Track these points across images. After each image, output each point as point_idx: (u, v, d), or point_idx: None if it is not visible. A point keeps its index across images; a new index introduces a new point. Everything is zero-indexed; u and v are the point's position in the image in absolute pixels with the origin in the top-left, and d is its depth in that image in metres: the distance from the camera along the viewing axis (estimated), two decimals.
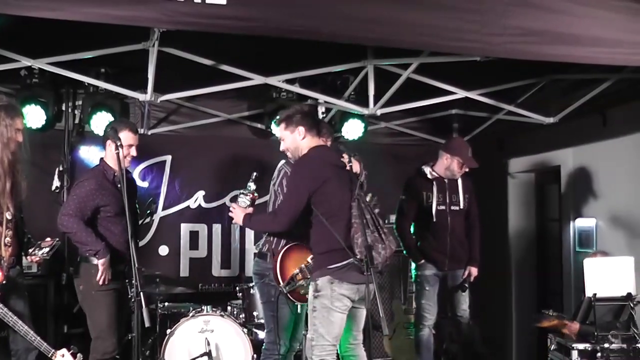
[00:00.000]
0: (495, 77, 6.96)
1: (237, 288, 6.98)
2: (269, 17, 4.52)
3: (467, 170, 6.83)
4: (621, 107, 6.72)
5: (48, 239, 5.02)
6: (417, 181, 6.90)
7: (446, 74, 6.71)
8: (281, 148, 5.38)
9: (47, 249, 4.94)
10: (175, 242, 8.00)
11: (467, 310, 6.93)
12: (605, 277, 5.60)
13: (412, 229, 6.95)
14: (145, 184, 7.86)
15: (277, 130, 5.54)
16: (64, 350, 4.65)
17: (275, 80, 6.79)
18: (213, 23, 4.39)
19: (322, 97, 7.26)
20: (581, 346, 5.46)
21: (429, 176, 6.83)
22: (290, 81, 7.03)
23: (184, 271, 7.99)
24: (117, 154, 5.04)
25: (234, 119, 8.21)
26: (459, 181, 6.87)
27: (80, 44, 6.02)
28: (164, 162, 7.98)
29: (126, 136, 5.38)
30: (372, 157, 6.64)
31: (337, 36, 4.75)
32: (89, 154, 7.53)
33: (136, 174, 7.58)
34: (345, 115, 7.74)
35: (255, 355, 6.24)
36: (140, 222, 6.15)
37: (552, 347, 5.88)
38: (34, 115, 6.91)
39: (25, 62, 6.20)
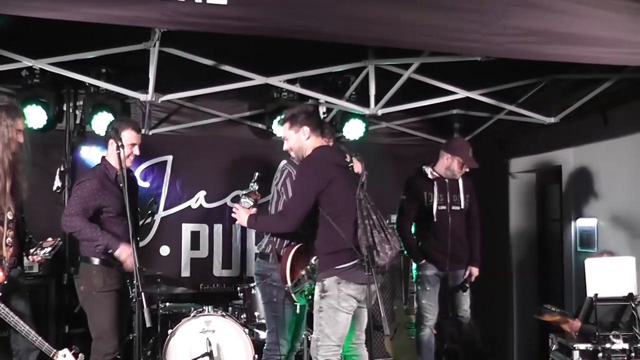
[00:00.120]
0: (496, 77, 6.96)
1: (239, 288, 6.97)
2: (270, 17, 4.52)
3: (467, 170, 6.83)
4: (622, 107, 6.71)
5: (49, 239, 5.02)
6: (417, 181, 6.91)
7: (447, 74, 6.71)
8: (285, 148, 5.38)
9: (49, 249, 4.94)
10: (176, 242, 8.00)
11: (468, 310, 6.93)
12: (606, 277, 5.59)
13: (413, 229, 6.96)
14: (146, 184, 7.86)
15: (280, 129, 5.53)
16: (65, 351, 4.66)
17: (276, 81, 6.79)
18: (214, 23, 4.39)
19: (323, 97, 7.25)
20: (582, 346, 5.45)
21: (430, 176, 6.83)
22: (291, 81, 7.02)
23: (185, 271, 7.99)
24: (119, 154, 5.03)
25: (235, 119, 8.21)
26: (460, 181, 6.88)
27: (81, 44, 6.02)
28: (165, 162, 7.98)
29: (129, 135, 5.37)
30: (373, 157, 6.66)
31: (338, 36, 4.75)
32: (90, 154, 7.54)
33: (137, 174, 7.56)
34: (346, 116, 7.74)
35: (256, 356, 6.24)
36: (141, 222, 6.15)
37: (554, 347, 5.87)
38: (35, 116, 6.92)
39: (26, 62, 6.21)
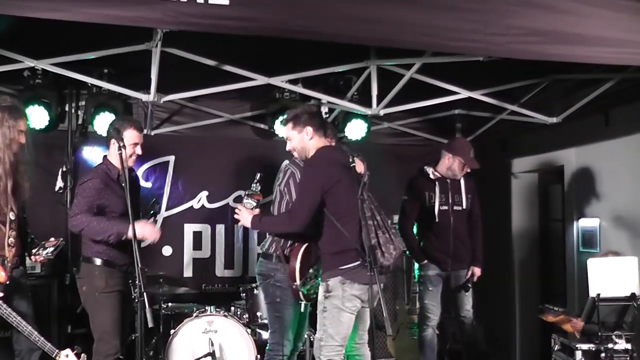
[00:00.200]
0: (498, 77, 6.96)
1: (241, 288, 6.98)
2: (272, 17, 4.51)
3: (468, 170, 6.83)
4: (624, 106, 6.71)
5: (52, 239, 5.03)
6: (419, 181, 6.91)
7: (449, 74, 6.71)
8: (287, 148, 5.38)
9: (51, 249, 4.95)
10: (178, 243, 7.99)
11: (471, 310, 6.93)
12: (609, 277, 5.59)
13: (415, 230, 6.96)
14: (148, 185, 7.86)
15: (283, 130, 5.53)
16: (67, 351, 4.66)
17: (278, 81, 6.79)
18: (216, 23, 4.38)
19: (325, 98, 7.25)
20: (585, 346, 5.45)
21: (432, 176, 6.83)
22: (293, 81, 7.03)
23: (188, 271, 7.99)
24: (120, 154, 5.01)
25: (236, 120, 8.21)
26: (462, 181, 6.88)
27: (83, 44, 6.02)
28: (167, 162, 7.98)
29: (131, 135, 5.35)
30: (375, 158, 6.63)
31: (340, 36, 4.74)
32: (92, 155, 7.53)
33: (139, 174, 7.54)
34: (348, 116, 7.74)
35: (259, 356, 6.24)
36: None
37: (556, 347, 5.87)
38: (37, 116, 6.93)
39: (29, 62, 6.22)
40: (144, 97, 6.40)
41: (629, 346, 5.32)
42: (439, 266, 6.82)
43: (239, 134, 8.27)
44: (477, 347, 7.22)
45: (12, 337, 4.92)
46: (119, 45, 5.92)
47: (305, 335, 6.07)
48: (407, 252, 6.90)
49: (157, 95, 6.27)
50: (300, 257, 5.32)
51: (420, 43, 5.03)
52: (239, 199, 7.93)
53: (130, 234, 5.02)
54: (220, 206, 8.11)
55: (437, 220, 6.80)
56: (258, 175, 5.43)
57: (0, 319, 4.61)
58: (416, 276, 7.01)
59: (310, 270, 5.38)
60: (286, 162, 5.82)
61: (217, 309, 6.49)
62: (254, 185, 5.40)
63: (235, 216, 5.36)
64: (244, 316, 6.75)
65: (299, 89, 7.23)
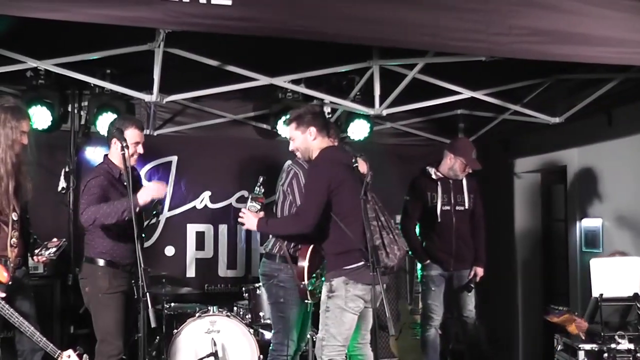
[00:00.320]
0: (500, 77, 6.95)
1: (244, 288, 6.98)
2: (274, 17, 4.51)
3: (470, 171, 6.83)
4: (627, 106, 6.69)
5: (54, 239, 5.02)
6: (421, 181, 6.91)
7: (452, 74, 6.70)
8: (291, 148, 5.38)
9: (54, 250, 4.94)
10: (181, 243, 8.00)
11: (474, 310, 6.93)
12: (611, 277, 5.58)
13: (417, 230, 6.95)
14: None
15: (286, 129, 5.52)
16: (69, 351, 4.65)
17: (281, 81, 6.79)
18: (218, 24, 4.38)
19: (327, 98, 7.25)
20: (588, 346, 5.44)
21: (434, 176, 6.83)
22: (296, 82, 7.03)
23: (190, 272, 8.00)
24: (123, 155, 5.00)
25: (239, 120, 8.22)
26: (464, 181, 6.88)
27: (86, 45, 6.02)
28: (170, 162, 7.98)
29: (132, 133, 5.31)
30: (377, 158, 6.65)
31: (342, 37, 4.74)
32: (95, 155, 7.51)
33: (142, 174, 7.55)
34: (351, 116, 7.74)
35: (261, 356, 6.24)
36: (146, 222, 6.14)
37: (559, 347, 5.86)
38: (40, 116, 6.92)
39: (31, 63, 6.21)
40: (146, 97, 6.40)
41: (631, 346, 5.31)
42: (441, 266, 6.83)
43: (242, 134, 8.27)
44: (480, 347, 7.22)
45: (15, 338, 4.91)
46: (122, 45, 5.93)
47: (308, 336, 6.08)
48: (410, 253, 6.92)
49: (160, 95, 6.26)
50: (309, 256, 5.33)
51: (422, 43, 5.02)
52: (241, 199, 7.95)
53: (141, 201, 5.07)
54: (223, 206, 8.12)
55: (439, 220, 6.81)
56: (261, 179, 5.43)
57: (2, 319, 4.62)
58: (419, 276, 7.02)
59: (317, 270, 5.40)
60: (289, 162, 5.81)
61: (220, 309, 6.50)
62: (257, 188, 5.39)
63: (240, 220, 5.34)
64: (247, 316, 6.75)
65: (302, 89, 7.23)
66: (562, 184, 8.06)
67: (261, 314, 6.61)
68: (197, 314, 6.37)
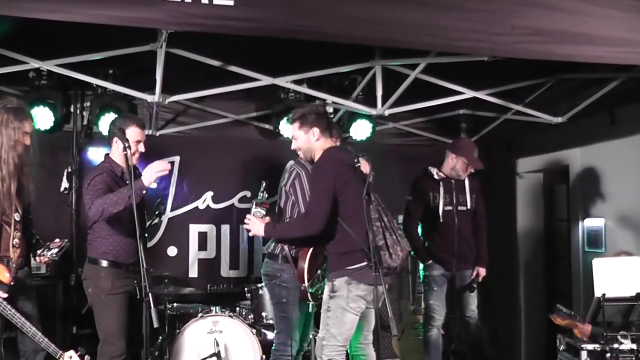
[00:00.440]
0: (503, 77, 6.95)
1: (246, 289, 6.99)
2: (276, 18, 4.52)
3: (472, 171, 6.83)
4: (630, 106, 6.68)
5: (57, 240, 5.01)
6: (423, 182, 6.91)
7: (454, 74, 6.71)
8: (293, 147, 5.36)
9: (56, 250, 4.93)
10: (183, 243, 8.00)
11: (476, 310, 6.92)
12: (614, 277, 5.57)
13: (419, 230, 6.95)
14: (153, 185, 7.77)
15: (289, 129, 5.51)
16: (71, 352, 4.66)
17: (283, 81, 6.80)
18: (220, 24, 4.39)
19: (330, 98, 7.25)
20: (590, 346, 5.43)
21: (436, 177, 6.82)
22: (298, 82, 7.03)
23: (193, 272, 8.00)
24: (125, 155, 4.97)
25: (241, 120, 8.22)
26: (466, 181, 6.87)
27: (88, 45, 6.03)
28: (172, 163, 7.95)
29: (133, 132, 5.29)
30: (380, 158, 6.66)
31: (344, 37, 4.75)
32: (98, 155, 7.49)
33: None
34: (353, 116, 7.74)
35: (264, 356, 6.25)
36: (148, 223, 6.14)
37: (561, 347, 5.85)
38: (43, 117, 6.93)
39: (34, 64, 6.23)
40: (149, 97, 6.40)
41: (634, 346, 5.30)
42: (443, 266, 6.82)
43: (244, 134, 8.27)
44: (482, 347, 7.22)
45: (17, 338, 4.91)
46: (124, 46, 5.94)
47: (311, 335, 6.07)
48: (412, 253, 6.91)
49: (162, 95, 6.28)
50: (309, 258, 5.31)
51: (422, 43, 5.02)
52: (244, 200, 7.96)
53: (146, 182, 5.09)
54: (225, 206, 8.11)
55: (441, 220, 6.80)
56: (264, 184, 5.42)
57: (4, 319, 4.62)
58: (421, 276, 7.01)
59: (318, 272, 5.39)
60: (291, 162, 5.80)
61: (222, 310, 6.51)
62: (261, 194, 5.38)
63: (246, 227, 5.29)
64: (249, 316, 6.76)
65: (304, 89, 7.22)
66: (565, 183, 8.05)
67: (264, 314, 6.62)
68: (199, 314, 6.38)
